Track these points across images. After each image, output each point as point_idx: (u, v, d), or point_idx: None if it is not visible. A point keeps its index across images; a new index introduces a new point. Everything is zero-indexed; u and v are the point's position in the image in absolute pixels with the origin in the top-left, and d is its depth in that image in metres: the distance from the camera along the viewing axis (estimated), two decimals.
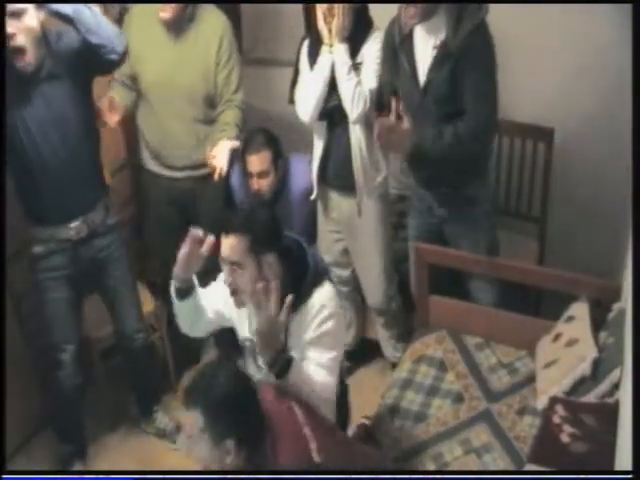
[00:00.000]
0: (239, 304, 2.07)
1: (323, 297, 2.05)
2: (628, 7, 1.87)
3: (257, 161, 2.84)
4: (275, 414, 1.85)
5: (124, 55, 2.46)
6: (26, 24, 2.29)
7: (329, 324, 2.04)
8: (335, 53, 2.65)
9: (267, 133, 2.90)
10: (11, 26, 2.26)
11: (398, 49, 2.55)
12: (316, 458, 1.81)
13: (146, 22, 2.90)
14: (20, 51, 2.31)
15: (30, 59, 2.33)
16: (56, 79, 2.42)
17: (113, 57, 2.40)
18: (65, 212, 2.57)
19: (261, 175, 2.86)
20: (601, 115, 2.91)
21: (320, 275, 2.08)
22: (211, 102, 2.97)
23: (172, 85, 2.88)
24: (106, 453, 3.06)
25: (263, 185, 2.87)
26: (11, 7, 2.23)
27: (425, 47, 2.47)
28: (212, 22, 2.92)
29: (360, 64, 2.68)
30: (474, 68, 2.39)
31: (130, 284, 2.83)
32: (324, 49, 2.67)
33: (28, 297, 2.92)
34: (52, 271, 2.63)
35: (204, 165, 2.97)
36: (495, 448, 2.37)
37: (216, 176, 2.85)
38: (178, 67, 2.89)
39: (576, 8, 2.61)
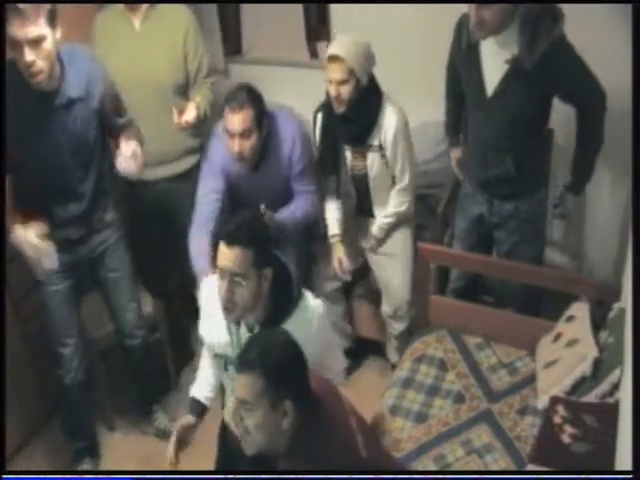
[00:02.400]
0: (231, 318, 1.97)
1: (311, 308, 2.00)
2: (628, 7, 1.88)
3: (238, 119, 2.56)
4: (323, 394, 1.79)
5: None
6: (44, 49, 2.25)
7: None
8: None
9: (250, 89, 2.62)
10: (30, 54, 2.22)
11: (464, 53, 2.55)
12: (363, 452, 1.75)
13: (113, 15, 2.95)
14: (37, 72, 2.28)
15: (44, 77, 2.30)
16: (73, 104, 2.43)
17: None
18: (65, 218, 2.59)
19: (243, 135, 2.58)
20: None
21: (300, 289, 2.03)
22: (181, 91, 2.97)
23: (140, 74, 2.87)
24: (106, 453, 3.06)
25: (245, 147, 2.60)
26: (31, 33, 2.18)
27: (495, 60, 2.46)
28: (175, 15, 2.93)
29: (377, 148, 2.71)
30: (564, 72, 2.41)
31: (128, 278, 2.82)
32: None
33: (28, 297, 2.92)
34: None
35: (178, 158, 3.03)
36: (496, 448, 2.38)
37: (183, 122, 2.79)
38: (144, 57, 2.90)
39: (576, 8, 2.60)
